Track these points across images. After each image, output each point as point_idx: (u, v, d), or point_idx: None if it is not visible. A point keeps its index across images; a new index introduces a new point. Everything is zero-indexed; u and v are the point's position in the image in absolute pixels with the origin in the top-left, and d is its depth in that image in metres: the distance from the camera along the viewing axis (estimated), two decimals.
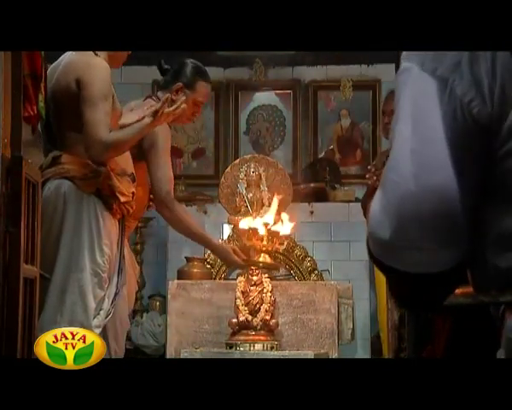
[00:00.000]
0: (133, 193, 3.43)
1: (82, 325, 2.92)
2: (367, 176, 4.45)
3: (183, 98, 3.48)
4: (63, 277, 3.22)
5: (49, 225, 3.20)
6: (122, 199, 3.33)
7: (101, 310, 3.29)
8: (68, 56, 3.37)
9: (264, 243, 4.06)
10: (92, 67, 3.29)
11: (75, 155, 3.31)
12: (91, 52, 3.32)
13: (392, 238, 1.07)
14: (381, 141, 5.87)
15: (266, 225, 4.10)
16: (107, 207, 3.33)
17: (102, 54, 3.38)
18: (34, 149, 3.20)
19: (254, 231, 4.08)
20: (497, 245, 1.08)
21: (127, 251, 4.05)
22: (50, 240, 3.20)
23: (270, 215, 4.27)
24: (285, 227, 4.26)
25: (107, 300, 3.33)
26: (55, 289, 3.21)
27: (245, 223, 4.22)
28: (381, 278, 4.27)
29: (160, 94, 4.06)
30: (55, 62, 3.45)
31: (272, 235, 4.10)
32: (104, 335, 3.26)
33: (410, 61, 1.09)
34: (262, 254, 4.14)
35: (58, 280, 3.22)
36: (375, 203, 1.10)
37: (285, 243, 4.30)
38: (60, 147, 3.36)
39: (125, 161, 3.48)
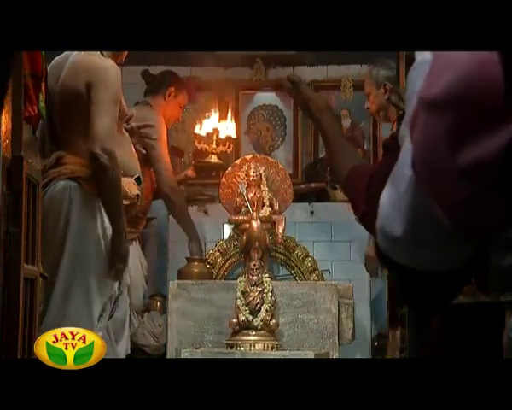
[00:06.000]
0: (137, 195, 3.43)
1: (86, 327, 2.93)
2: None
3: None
4: (68, 278, 3.22)
5: (54, 226, 3.20)
6: (124, 202, 3.32)
7: (103, 311, 3.29)
8: (74, 56, 3.35)
9: (214, 145, 4.91)
10: (104, 70, 3.27)
11: (79, 155, 3.30)
12: (98, 52, 3.31)
13: (404, 234, 1.06)
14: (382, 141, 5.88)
15: (216, 130, 4.93)
16: None
17: (106, 53, 3.37)
18: (33, 149, 3.19)
19: (206, 136, 4.93)
20: (501, 245, 1.07)
21: (138, 251, 4.08)
22: (56, 241, 3.19)
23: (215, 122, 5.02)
24: (230, 130, 5.09)
25: (109, 301, 3.33)
26: (59, 291, 3.20)
27: (198, 129, 5.01)
28: None
29: (149, 99, 4.66)
30: (57, 59, 3.43)
31: (220, 140, 4.97)
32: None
33: (424, 55, 1.07)
34: (211, 155, 4.95)
35: (63, 281, 3.21)
36: (385, 198, 1.08)
37: (231, 147, 5.07)
38: (63, 147, 3.36)
39: (131, 162, 3.48)
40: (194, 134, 5.09)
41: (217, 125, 5.04)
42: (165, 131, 4.75)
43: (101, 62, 3.28)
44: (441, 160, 0.96)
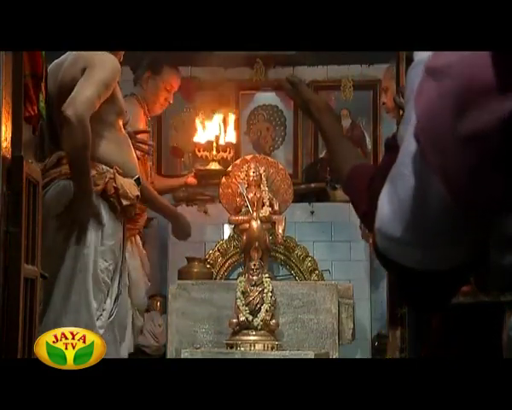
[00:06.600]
0: (137, 196, 3.43)
1: (86, 327, 2.93)
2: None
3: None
4: (68, 277, 3.22)
5: (56, 226, 3.20)
6: (124, 202, 3.32)
7: (103, 311, 3.29)
8: (74, 54, 3.36)
9: (214, 152, 4.93)
10: (102, 58, 3.27)
11: None
12: None
13: (404, 234, 1.05)
14: (382, 141, 5.87)
15: (217, 137, 4.97)
16: (112, 210, 3.32)
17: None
18: (33, 149, 3.19)
19: (206, 143, 4.96)
20: (501, 244, 1.06)
21: (138, 249, 4.07)
22: (57, 241, 3.19)
23: (216, 130, 5.03)
24: (230, 136, 5.10)
25: (109, 300, 3.33)
26: (59, 291, 3.20)
27: (198, 137, 5.02)
28: None
29: (135, 89, 4.51)
30: (57, 62, 3.43)
31: (220, 146, 4.99)
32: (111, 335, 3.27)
33: (423, 55, 1.07)
34: (212, 162, 4.94)
35: (63, 281, 3.21)
36: (384, 198, 1.08)
37: (232, 152, 5.05)
38: (63, 147, 3.35)
39: (131, 163, 3.48)
40: (194, 143, 5.02)
41: (217, 132, 5.01)
42: (143, 125, 4.52)
43: (100, 54, 3.29)
44: (444, 129, 0.96)
